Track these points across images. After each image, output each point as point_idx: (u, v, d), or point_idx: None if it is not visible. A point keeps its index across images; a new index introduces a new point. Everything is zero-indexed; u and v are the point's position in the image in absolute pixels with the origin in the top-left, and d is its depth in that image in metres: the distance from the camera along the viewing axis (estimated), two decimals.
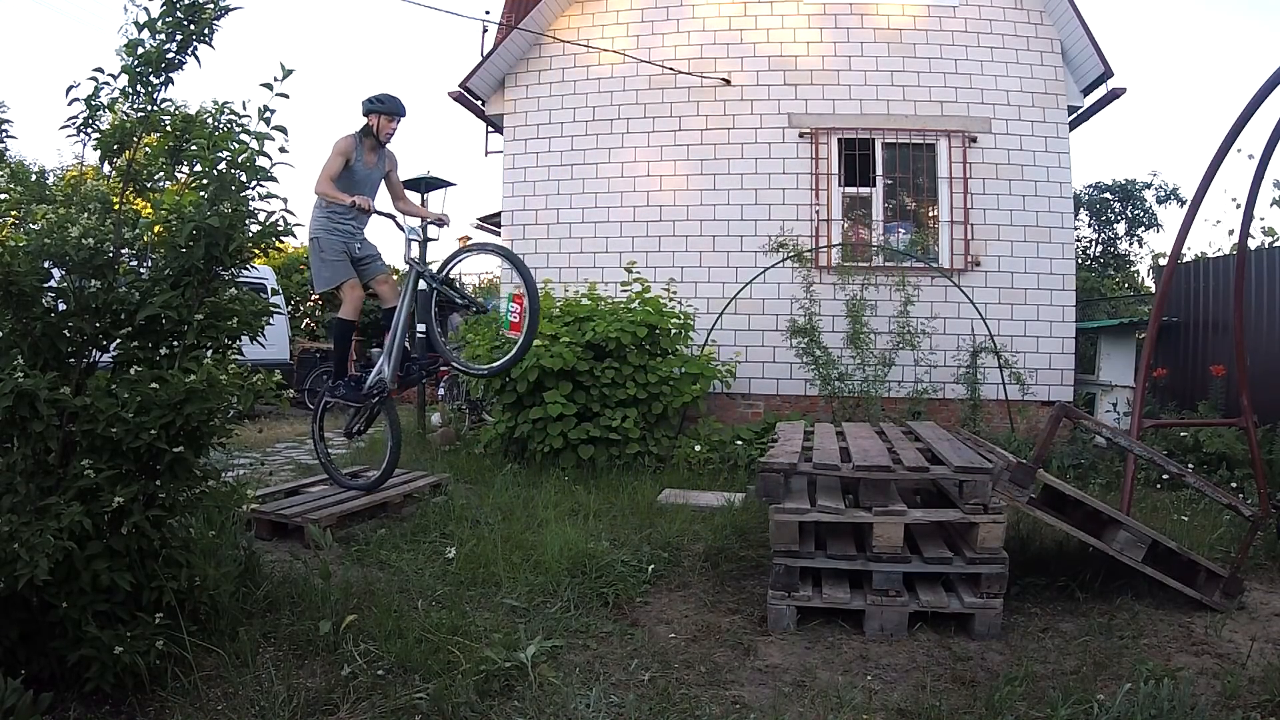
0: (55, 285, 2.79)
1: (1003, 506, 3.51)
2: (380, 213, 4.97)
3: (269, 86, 2.94)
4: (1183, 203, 14.34)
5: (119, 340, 2.80)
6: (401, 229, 5.00)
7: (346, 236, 4.99)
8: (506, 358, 4.95)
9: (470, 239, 17.26)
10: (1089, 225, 15.10)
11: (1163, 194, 14.85)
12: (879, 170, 8.26)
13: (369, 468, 6.53)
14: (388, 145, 5.14)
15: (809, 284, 7.77)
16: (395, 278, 5.34)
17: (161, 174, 3.06)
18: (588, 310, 7.07)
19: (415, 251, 5.10)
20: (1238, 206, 8.80)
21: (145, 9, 2.85)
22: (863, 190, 8.36)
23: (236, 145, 2.95)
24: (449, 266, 5.09)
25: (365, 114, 5.00)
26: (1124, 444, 4.02)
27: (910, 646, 3.31)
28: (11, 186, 2.87)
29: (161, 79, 2.90)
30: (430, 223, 5.40)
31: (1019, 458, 3.89)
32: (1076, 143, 17.61)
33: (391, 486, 5.57)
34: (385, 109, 4.98)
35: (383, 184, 5.24)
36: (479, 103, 8.89)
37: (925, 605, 3.45)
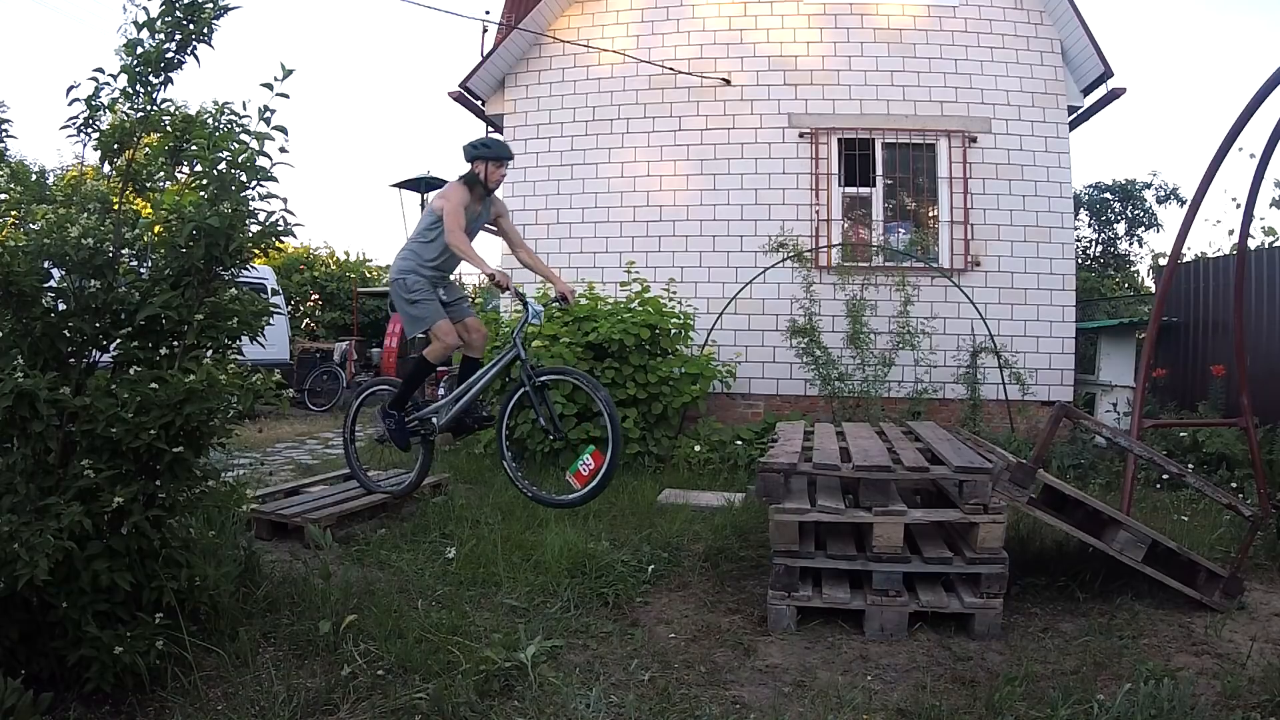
0: (55, 285, 2.80)
1: (1003, 506, 3.51)
2: (518, 293, 4.54)
3: (269, 86, 2.94)
4: (1183, 203, 14.34)
5: (119, 340, 2.80)
6: (526, 308, 4.57)
7: (435, 276, 4.71)
8: (572, 496, 4.58)
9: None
10: (1089, 225, 15.09)
11: (1163, 194, 14.84)
12: (879, 170, 8.26)
13: (369, 467, 6.54)
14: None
15: (809, 284, 7.77)
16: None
17: (161, 174, 3.06)
18: (587, 310, 7.07)
19: (527, 330, 4.76)
20: (1238, 206, 8.79)
21: (144, 9, 2.85)
22: (863, 190, 8.36)
23: (236, 145, 2.94)
24: (548, 375, 4.73)
25: (470, 160, 4.61)
26: (1124, 444, 4.02)
27: (910, 646, 3.31)
28: (11, 186, 2.87)
29: (161, 79, 2.90)
30: (556, 301, 4.93)
31: (1019, 458, 3.89)
32: (1076, 143, 17.61)
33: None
34: (493, 154, 4.61)
35: (483, 229, 4.96)
36: (479, 103, 8.89)
37: (925, 605, 3.45)
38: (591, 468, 4.39)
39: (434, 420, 4.82)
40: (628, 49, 8.44)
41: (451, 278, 4.95)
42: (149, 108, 2.90)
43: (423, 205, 9.25)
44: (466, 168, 4.63)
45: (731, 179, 8.31)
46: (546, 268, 5.00)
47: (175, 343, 2.83)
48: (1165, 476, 5.78)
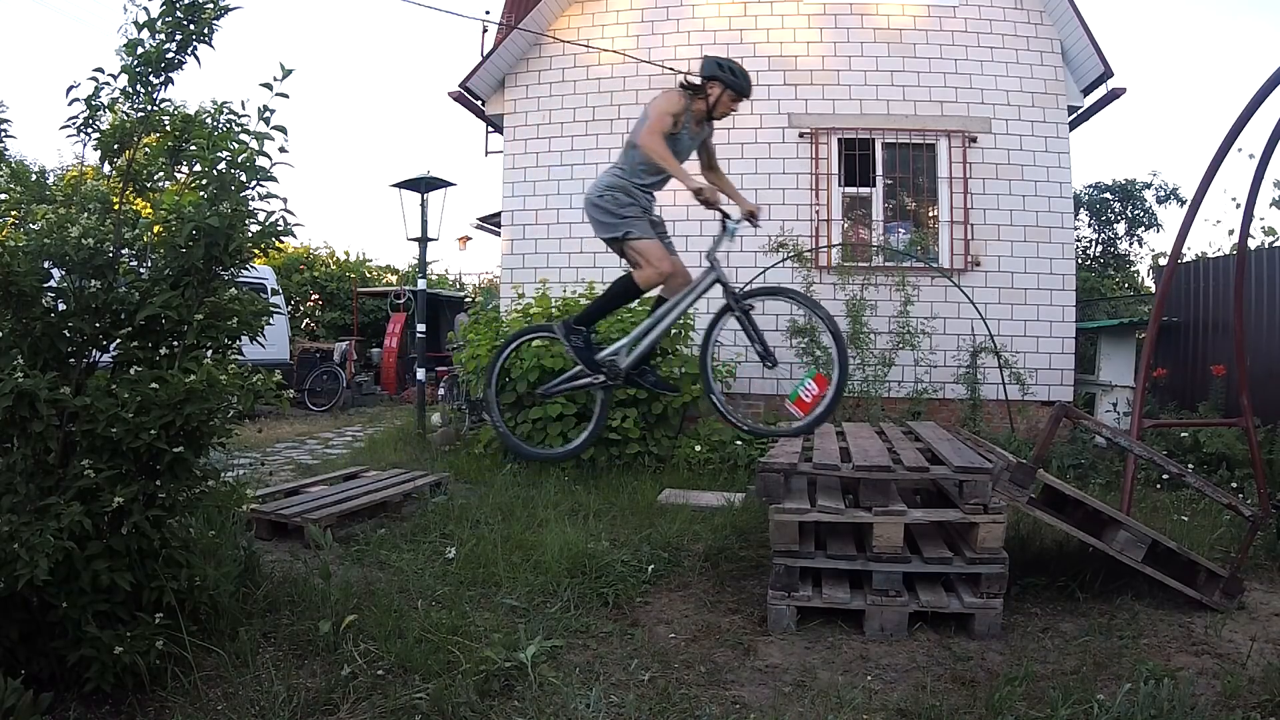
0: (55, 285, 2.79)
1: (1003, 506, 3.51)
2: (724, 212, 4.04)
3: (269, 86, 2.94)
4: (1183, 203, 14.34)
5: (119, 340, 2.80)
6: (726, 225, 4.08)
7: (646, 199, 4.13)
8: (796, 425, 4.11)
9: (469, 239, 17.26)
10: (1089, 225, 15.09)
11: (1163, 194, 14.84)
12: (879, 170, 8.26)
13: (368, 468, 6.55)
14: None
15: (809, 284, 7.76)
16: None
17: (161, 174, 3.06)
18: None
19: (723, 248, 4.20)
20: (1238, 206, 8.80)
21: (145, 9, 2.85)
22: (863, 190, 8.36)
23: (236, 145, 2.95)
24: (752, 296, 4.20)
25: (707, 76, 4.00)
26: (1124, 444, 4.02)
27: (910, 646, 3.31)
28: (11, 186, 2.87)
29: (161, 79, 2.90)
30: (746, 219, 4.27)
31: (1019, 458, 3.88)
32: (1076, 143, 17.61)
33: (391, 486, 5.58)
34: (736, 84, 3.98)
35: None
36: (479, 103, 8.89)
37: (925, 605, 3.45)
38: (815, 393, 3.97)
39: (616, 363, 4.17)
40: (628, 49, 8.43)
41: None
42: (149, 108, 2.90)
43: (423, 205, 9.23)
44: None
45: (732, 179, 8.27)
46: (732, 187, 4.45)
47: (175, 343, 2.83)
48: (1165, 476, 5.78)
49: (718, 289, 4.08)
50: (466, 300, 16.69)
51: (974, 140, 8.06)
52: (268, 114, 2.94)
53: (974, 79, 8.11)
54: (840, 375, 3.72)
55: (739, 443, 7.05)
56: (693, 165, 4.23)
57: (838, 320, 7.44)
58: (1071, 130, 8.44)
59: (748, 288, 4.25)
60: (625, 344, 4.19)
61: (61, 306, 2.79)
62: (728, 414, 3.99)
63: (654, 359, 4.25)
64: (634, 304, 4.40)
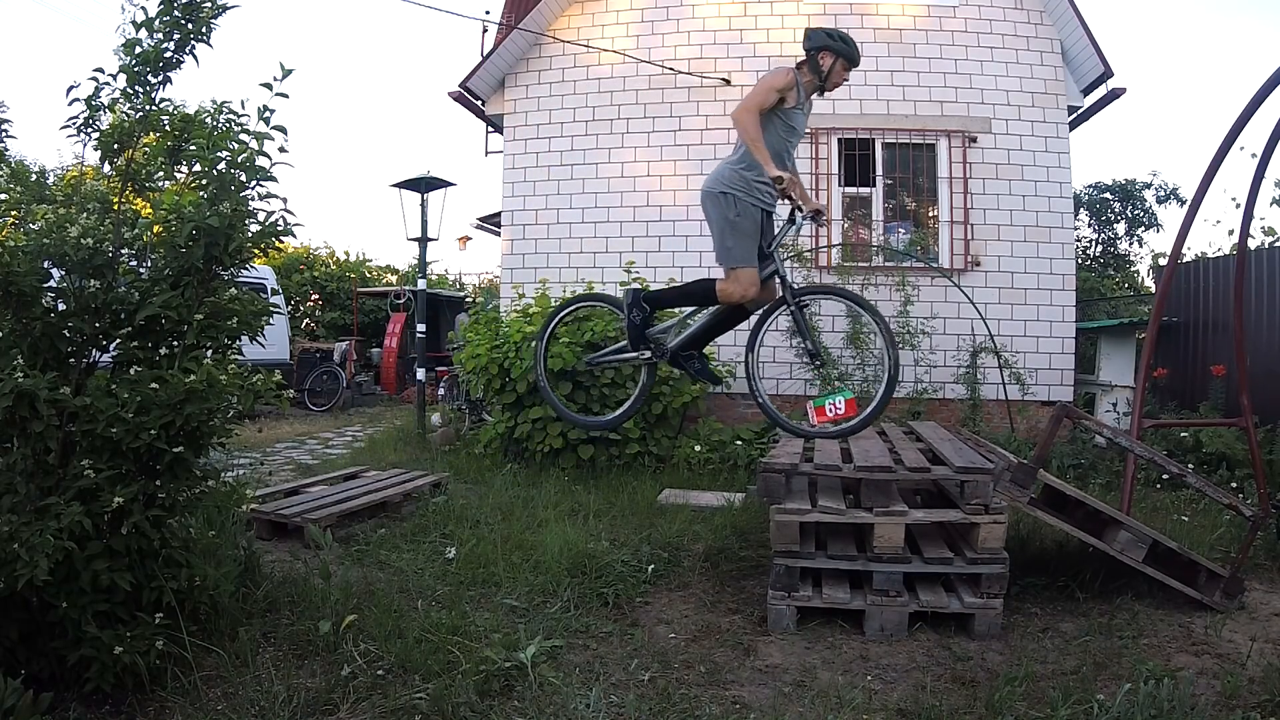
0: (55, 285, 2.79)
1: (1004, 507, 3.51)
2: (797, 204, 3.96)
3: (268, 86, 2.94)
4: (1183, 203, 14.33)
5: (119, 340, 2.80)
6: (795, 218, 3.97)
7: (763, 206, 3.94)
8: (844, 425, 3.93)
9: (469, 239, 17.25)
10: (1089, 225, 15.09)
11: (1163, 194, 14.84)
12: (879, 170, 8.25)
13: (368, 468, 6.55)
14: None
15: (808, 284, 7.76)
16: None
17: (161, 174, 3.06)
18: (586, 310, 7.06)
19: (786, 240, 4.07)
20: (1238, 206, 8.80)
21: (142, 8, 2.85)
22: (863, 190, 8.36)
23: (236, 145, 2.94)
24: (808, 294, 4.11)
25: (816, 48, 3.88)
26: (1124, 444, 4.02)
27: (910, 646, 3.31)
28: (11, 186, 2.87)
29: (160, 78, 2.90)
30: (809, 218, 4.12)
31: (1019, 458, 3.88)
32: (1076, 143, 17.61)
33: (391, 486, 5.58)
34: (848, 52, 3.87)
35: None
36: (479, 103, 8.89)
37: (925, 605, 3.44)
38: (840, 413, 3.80)
39: (664, 342, 4.12)
40: (628, 49, 8.43)
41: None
42: (148, 107, 2.90)
43: (423, 205, 9.23)
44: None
45: None
46: (800, 184, 4.26)
47: (175, 343, 2.83)
48: (1165, 476, 5.77)
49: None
50: (466, 300, 16.70)
51: (974, 140, 8.06)
52: (267, 114, 2.94)
53: (974, 79, 8.11)
54: (890, 379, 3.66)
55: (739, 442, 7.05)
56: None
57: (838, 320, 7.52)
58: (1071, 130, 8.44)
59: (801, 285, 4.20)
60: (673, 324, 4.17)
61: (61, 306, 2.79)
62: (778, 417, 4.03)
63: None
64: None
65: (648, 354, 4.11)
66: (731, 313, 4.05)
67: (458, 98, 8.83)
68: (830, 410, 3.84)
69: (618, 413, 4.52)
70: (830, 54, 3.91)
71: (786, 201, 3.95)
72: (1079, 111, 8.45)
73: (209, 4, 2.87)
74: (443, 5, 13.22)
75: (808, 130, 8.25)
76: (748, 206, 3.88)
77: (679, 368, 4.22)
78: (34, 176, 2.96)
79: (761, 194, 3.90)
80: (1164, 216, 14.89)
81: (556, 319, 4.48)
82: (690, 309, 4.14)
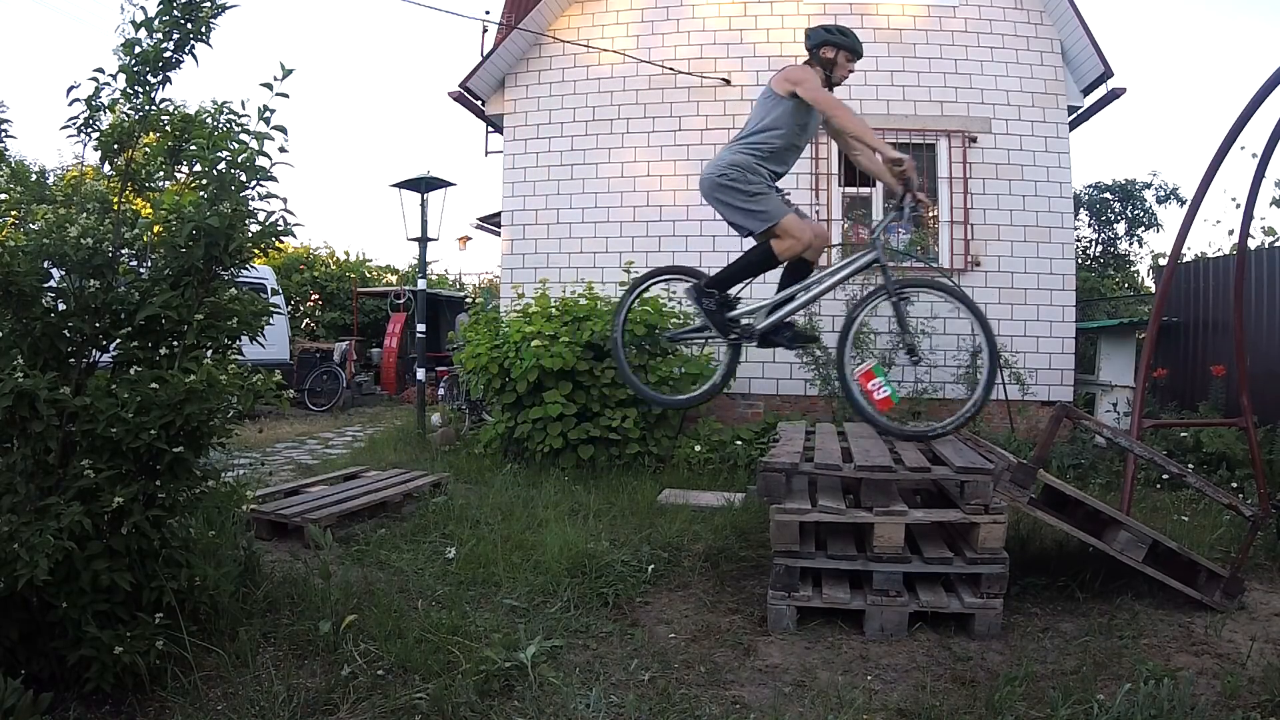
0: (55, 285, 2.79)
1: (1004, 507, 3.51)
2: (914, 192, 3.89)
3: (269, 86, 2.94)
4: (1183, 203, 14.33)
5: (119, 340, 2.80)
6: (904, 210, 3.94)
7: (772, 174, 4.06)
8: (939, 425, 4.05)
9: (469, 239, 17.25)
10: (1089, 225, 15.09)
11: (1163, 194, 14.84)
12: None
13: (368, 468, 6.55)
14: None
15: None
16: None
17: (161, 174, 3.06)
18: (586, 310, 7.07)
19: (886, 229, 4.08)
20: (1238, 206, 8.79)
21: (142, 8, 2.85)
22: (863, 190, 8.36)
23: (236, 145, 2.95)
24: (908, 287, 4.12)
25: (818, 45, 4.02)
26: (1124, 444, 4.02)
27: (910, 646, 3.30)
28: (11, 186, 2.87)
29: (159, 78, 2.90)
30: (915, 205, 3.98)
31: (1019, 458, 3.88)
32: (1076, 143, 17.61)
33: (391, 486, 5.58)
34: (848, 44, 4.01)
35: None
36: (479, 103, 8.89)
37: (925, 605, 3.44)
38: (884, 398, 3.82)
39: (752, 324, 4.15)
40: (628, 49, 8.43)
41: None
42: (148, 107, 2.90)
43: (423, 205, 9.23)
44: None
45: None
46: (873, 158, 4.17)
47: (175, 343, 2.83)
48: (1165, 476, 5.77)
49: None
50: (466, 300, 16.70)
51: (974, 140, 8.06)
52: (268, 114, 2.94)
53: (974, 79, 8.11)
54: (990, 374, 3.78)
55: (739, 442, 7.05)
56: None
57: (838, 320, 7.51)
58: (1071, 130, 8.44)
59: (901, 279, 4.22)
60: (764, 306, 4.18)
61: (61, 306, 2.79)
62: (876, 419, 4.04)
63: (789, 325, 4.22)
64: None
65: (734, 336, 4.14)
66: (797, 266, 4.14)
67: (458, 98, 8.83)
68: (876, 386, 3.90)
69: (700, 390, 4.51)
70: (832, 47, 4.01)
71: (902, 187, 3.94)
72: (1079, 111, 8.45)
73: (208, 4, 2.87)
74: (443, 5, 13.22)
75: None
76: (755, 168, 3.95)
77: (770, 346, 4.27)
78: (34, 176, 2.96)
79: (767, 172, 4.00)
80: (1164, 216, 14.90)
81: (634, 295, 4.49)
82: (785, 294, 4.16)
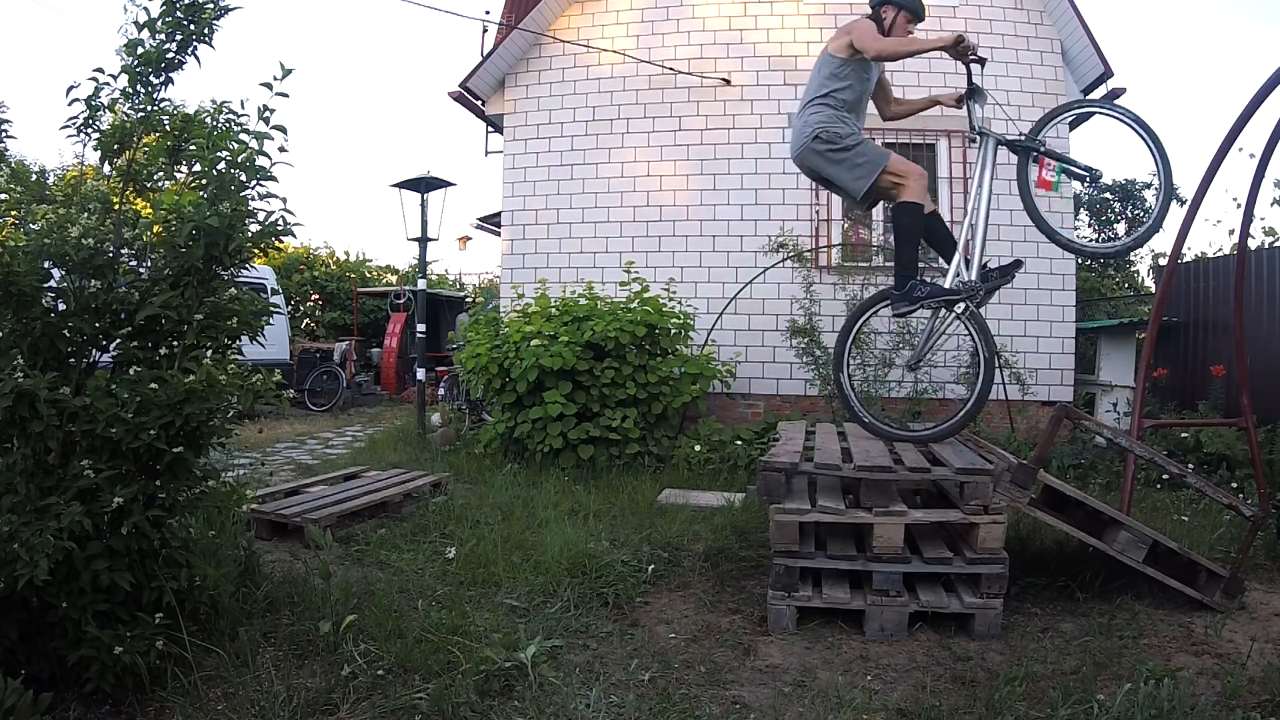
0: (55, 285, 2.79)
1: (1003, 507, 3.51)
2: (979, 60, 4.03)
3: (269, 86, 2.94)
4: (1183, 203, 14.30)
5: (119, 340, 2.80)
6: (976, 86, 4.09)
7: (854, 119, 4.09)
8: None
9: (469, 239, 17.25)
10: (1089, 225, 15.09)
11: None
12: None
13: (368, 468, 6.55)
14: None
15: (809, 284, 7.77)
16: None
17: (161, 174, 3.06)
18: (586, 310, 7.07)
19: (984, 116, 4.17)
20: (1238, 206, 8.79)
21: (145, 9, 2.85)
22: None
23: (236, 145, 2.94)
24: (1045, 129, 4.11)
25: (879, 3, 4.04)
26: (1124, 444, 4.02)
27: (910, 646, 3.30)
28: (11, 186, 2.87)
29: (161, 79, 2.90)
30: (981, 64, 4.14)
31: (1019, 458, 3.88)
32: (1076, 143, 17.57)
33: (391, 486, 5.58)
34: (912, 6, 4.03)
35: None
36: (479, 103, 8.89)
37: (925, 605, 3.44)
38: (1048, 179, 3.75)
39: (966, 279, 4.10)
40: (628, 49, 8.43)
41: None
42: (149, 108, 2.90)
43: (423, 205, 9.22)
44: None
45: (731, 179, 8.31)
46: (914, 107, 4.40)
47: (175, 343, 2.83)
48: (1165, 477, 5.77)
49: None
50: (466, 300, 16.70)
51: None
52: (267, 114, 2.94)
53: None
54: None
55: (739, 442, 7.05)
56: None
57: (838, 320, 7.51)
58: (1071, 130, 8.44)
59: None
60: (958, 261, 4.14)
61: (61, 306, 2.78)
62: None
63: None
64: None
65: (961, 306, 4.10)
66: (927, 231, 4.16)
67: (458, 98, 8.83)
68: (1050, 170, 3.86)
69: (963, 413, 4.11)
70: (893, 8, 3.98)
71: (974, 61, 4.02)
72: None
73: (211, 5, 2.87)
74: (443, 5, 13.22)
75: None
76: (840, 118, 3.96)
77: (993, 289, 4.15)
78: (34, 176, 2.96)
79: (851, 121, 3.99)
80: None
81: (856, 327, 4.35)
82: (962, 242, 4.14)
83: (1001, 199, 8.02)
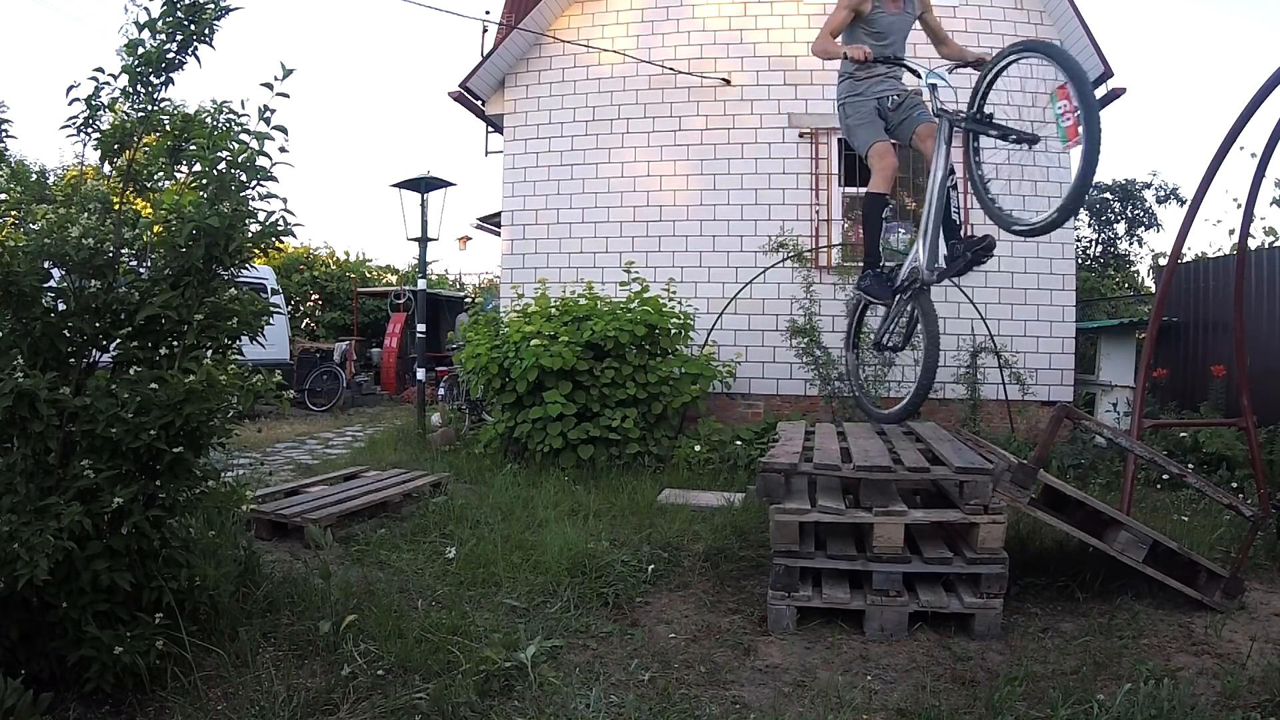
0: (55, 285, 2.79)
1: (1003, 507, 3.50)
2: (892, 60, 4.29)
3: (269, 86, 2.94)
4: (1183, 203, 14.33)
5: (119, 340, 2.80)
6: (917, 74, 4.22)
7: (875, 97, 4.37)
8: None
9: (469, 239, 17.25)
10: (1089, 225, 15.09)
11: (1163, 194, 14.83)
12: None
13: (368, 468, 6.55)
14: None
15: (809, 284, 7.77)
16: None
17: (161, 174, 3.06)
18: (586, 310, 7.07)
19: (942, 98, 4.34)
20: (1238, 206, 8.79)
21: (145, 9, 2.86)
22: (863, 190, 8.35)
23: (236, 145, 2.94)
24: (981, 95, 4.26)
25: None
26: (1124, 444, 4.02)
27: (910, 646, 3.30)
28: (11, 186, 2.87)
29: (162, 79, 2.90)
30: (961, 65, 4.45)
31: (1019, 458, 3.88)
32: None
33: (391, 486, 5.58)
34: None
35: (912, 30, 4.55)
36: (479, 103, 8.89)
37: (925, 605, 3.44)
38: (1069, 109, 3.83)
39: (918, 267, 4.33)
40: (628, 49, 8.43)
41: (906, 82, 4.44)
42: (149, 108, 2.90)
43: (423, 205, 9.23)
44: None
45: (731, 179, 8.31)
46: (962, 50, 4.76)
47: (175, 343, 2.83)
48: (1165, 477, 5.77)
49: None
50: (466, 300, 16.70)
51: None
52: (268, 114, 2.94)
53: (974, 78, 8.09)
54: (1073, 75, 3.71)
55: (739, 442, 7.05)
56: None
57: (838, 320, 7.51)
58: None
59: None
60: (917, 245, 4.35)
61: (61, 306, 2.79)
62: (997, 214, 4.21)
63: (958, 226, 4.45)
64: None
65: (906, 293, 4.37)
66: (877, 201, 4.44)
67: (458, 98, 8.83)
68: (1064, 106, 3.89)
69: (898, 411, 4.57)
70: None
71: (902, 66, 4.31)
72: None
73: (211, 5, 2.87)
74: (443, 5, 13.21)
75: (808, 130, 8.29)
76: (855, 103, 4.32)
77: (956, 275, 4.41)
78: (34, 176, 2.96)
79: (864, 86, 4.30)
80: (1164, 216, 14.90)
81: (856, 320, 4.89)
82: (921, 226, 4.34)
83: (1001, 199, 8.02)
